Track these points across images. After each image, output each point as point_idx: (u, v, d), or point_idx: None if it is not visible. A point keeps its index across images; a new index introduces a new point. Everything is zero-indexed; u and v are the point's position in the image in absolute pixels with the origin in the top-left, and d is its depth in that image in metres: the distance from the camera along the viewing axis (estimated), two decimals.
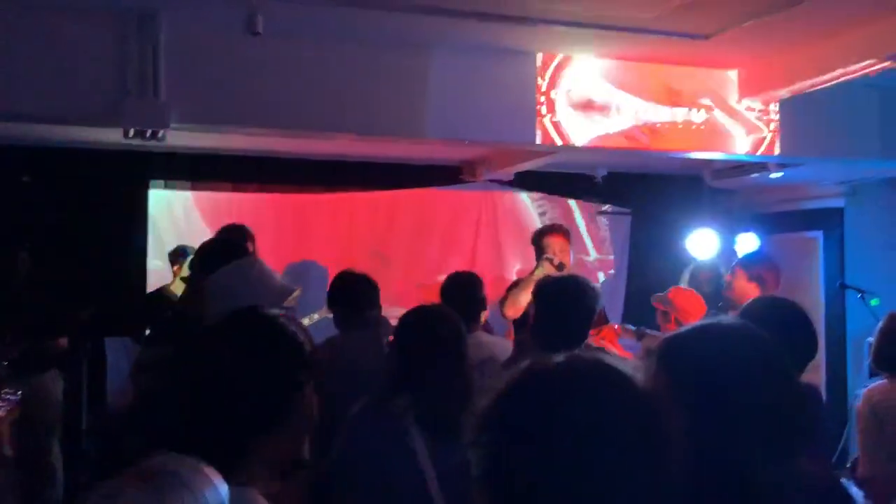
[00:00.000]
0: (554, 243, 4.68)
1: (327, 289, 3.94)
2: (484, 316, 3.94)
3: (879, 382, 3.56)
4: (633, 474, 1.05)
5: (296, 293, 2.79)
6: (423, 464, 2.40)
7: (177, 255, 6.07)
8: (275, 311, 1.66)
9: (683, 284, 5.28)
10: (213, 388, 1.47)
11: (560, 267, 4.60)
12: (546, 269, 4.57)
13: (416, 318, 2.71)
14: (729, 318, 1.67)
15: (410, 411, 2.45)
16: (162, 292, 6.15)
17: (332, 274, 4.08)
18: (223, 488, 1.18)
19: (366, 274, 3.84)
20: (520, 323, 4.45)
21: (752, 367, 1.49)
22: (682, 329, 1.64)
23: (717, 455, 1.45)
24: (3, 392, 4.59)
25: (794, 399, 1.53)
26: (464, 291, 3.83)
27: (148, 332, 4.11)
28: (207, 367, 1.51)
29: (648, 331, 4.58)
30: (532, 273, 4.66)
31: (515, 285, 4.73)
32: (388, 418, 2.47)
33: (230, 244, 3.33)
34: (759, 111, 5.25)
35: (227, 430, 1.43)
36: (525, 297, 4.18)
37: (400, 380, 2.55)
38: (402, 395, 2.49)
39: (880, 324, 3.64)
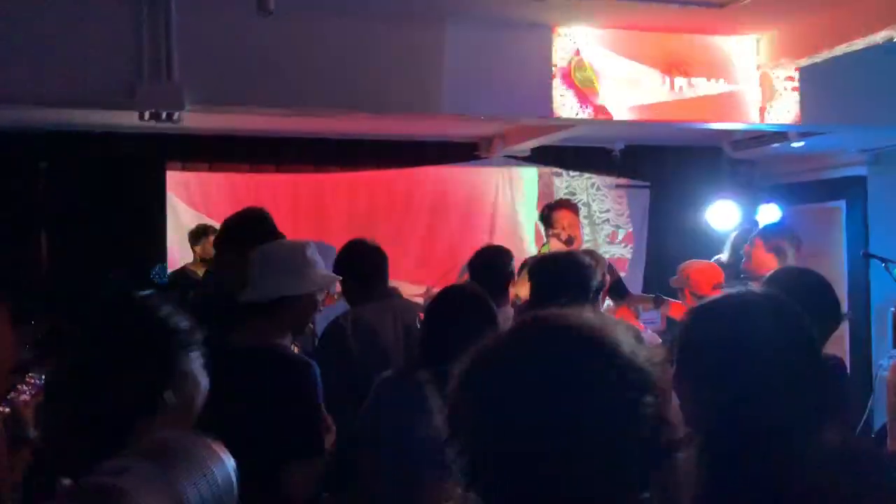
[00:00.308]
0: (562, 217, 4.69)
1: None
2: (512, 293, 3.94)
3: None
4: (596, 431, 1.02)
5: (337, 281, 2.82)
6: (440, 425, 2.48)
7: (198, 236, 6.10)
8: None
9: (725, 254, 5.23)
10: (86, 374, 1.51)
11: (569, 241, 4.59)
12: (554, 245, 4.57)
13: (446, 296, 2.81)
14: (755, 288, 1.65)
15: (431, 384, 2.53)
16: (185, 271, 6.19)
17: None
18: (230, 462, 1.19)
19: (376, 244, 3.79)
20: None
21: (777, 337, 1.48)
22: (708, 300, 1.63)
23: (743, 425, 1.44)
24: (27, 376, 4.63)
25: (819, 370, 1.52)
26: (491, 266, 3.83)
27: None
28: (80, 353, 1.56)
29: (666, 298, 4.57)
30: (540, 251, 4.64)
31: (525, 266, 4.73)
32: (410, 388, 2.57)
33: (263, 220, 3.33)
34: (780, 79, 5.17)
35: (108, 413, 1.46)
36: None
37: (423, 355, 2.65)
38: (423, 369, 2.59)
39: None
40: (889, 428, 3.46)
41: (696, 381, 1.51)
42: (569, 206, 4.82)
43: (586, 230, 7.28)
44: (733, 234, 5.72)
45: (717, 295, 1.67)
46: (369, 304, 3.52)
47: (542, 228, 4.81)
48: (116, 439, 1.35)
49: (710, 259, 5.25)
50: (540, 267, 3.17)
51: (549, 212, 4.78)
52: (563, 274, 3.01)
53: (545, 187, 7.55)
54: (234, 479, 1.18)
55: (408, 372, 2.68)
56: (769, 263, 4.29)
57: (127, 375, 1.47)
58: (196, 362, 1.55)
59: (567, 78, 4.75)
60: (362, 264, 3.66)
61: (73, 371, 1.52)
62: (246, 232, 3.22)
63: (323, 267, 2.77)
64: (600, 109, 4.84)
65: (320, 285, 2.67)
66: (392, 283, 3.92)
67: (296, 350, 2.85)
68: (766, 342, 1.47)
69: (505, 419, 1.05)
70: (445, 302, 2.78)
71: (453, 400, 1.12)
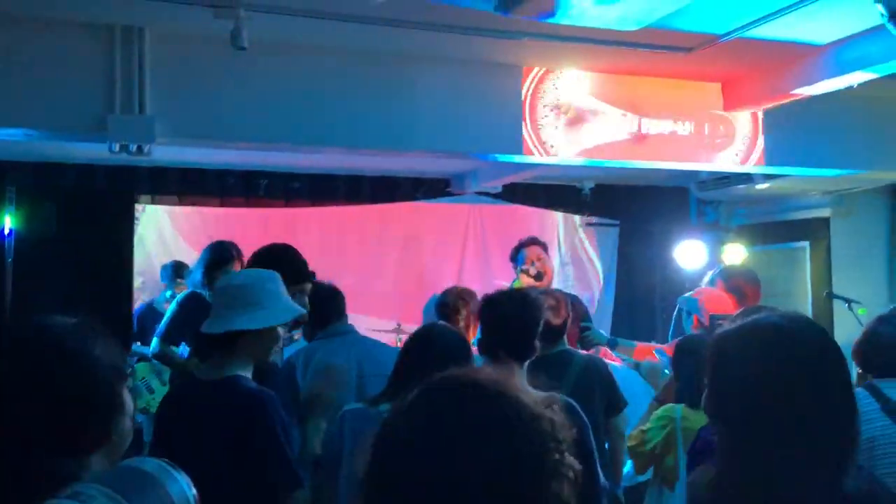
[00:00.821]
0: (530, 253, 4.74)
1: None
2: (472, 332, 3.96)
3: None
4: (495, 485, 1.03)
5: (301, 313, 2.76)
6: None
7: (179, 271, 5.94)
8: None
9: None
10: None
11: (539, 276, 4.64)
12: (524, 281, 4.61)
13: (422, 333, 2.82)
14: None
15: None
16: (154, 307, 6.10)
17: None
18: (185, 481, 1.21)
19: (332, 284, 3.79)
20: None
21: (806, 369, 1.45)
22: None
23: (770, 459, 1.42)
24: None
25: (849, 407, 1.46)
26: (447, 308, 3.89)
27: None
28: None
29: (620, 340, 4.63)
30: (510, 286, 4.67)
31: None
32: (374, 420, 2.54)
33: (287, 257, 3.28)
34: (745, 122, 5.29)
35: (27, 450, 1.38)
36: None
37: (391, 388, 2.66)
38: (384, 403, 2.61)
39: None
40: None
41: (735, 409, 1.47)
42: (538, 242, 4.88)
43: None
44: (709, 274, 5.80)
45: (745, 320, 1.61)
46: (324, 341, 3.53)
47: (512, 265, 4.86)
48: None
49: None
50: (486, 305, 3.17)
51: (519, 248, 4.84)
52: (516, 309, 3.02)
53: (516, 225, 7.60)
54: (191, 499, 1.20)
55: (373, 404, 2.68)
56: (727, 305, 4.35)
57: (59, 416, 1.37)
58: (126, 392, 1.48)
59: (535, 118, 4.82)
60: (317, 305, 3.68)
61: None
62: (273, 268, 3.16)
63: (287, 299, 2.73)
64: (565, 150, 4.91)
65: (280, 319, 2.61)
66: (361, 317, 3.93)
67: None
68: (792, 375, 1.44)
69: (410, 475, 1.06)
70: (420, 338, 2.79)
71: (370, 451, 1.14)
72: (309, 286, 3.27)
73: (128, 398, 1.47)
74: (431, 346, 2.70)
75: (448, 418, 1.08)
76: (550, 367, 3.21)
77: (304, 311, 2.72)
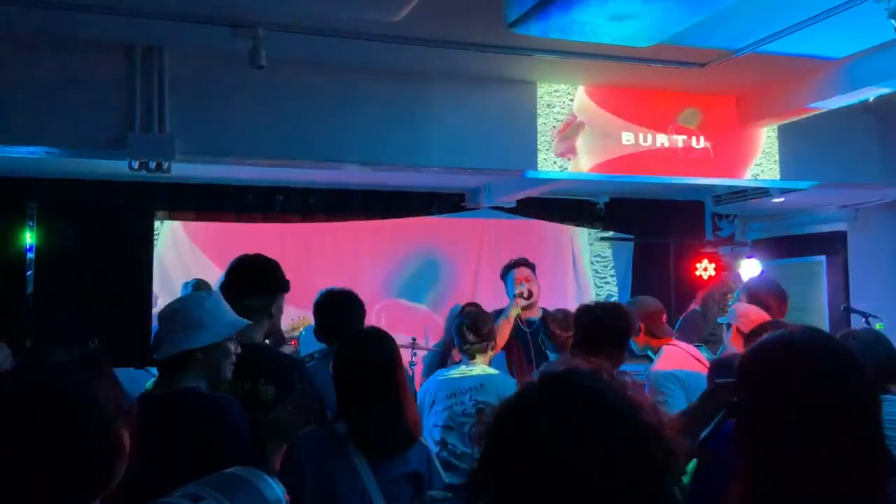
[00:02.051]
0: (519, 275, 4.95)
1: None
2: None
3: None
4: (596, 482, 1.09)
5: (245, 325, 2.79)
6: (366, 482, 2.62)
7: (201, 289, 5.98)
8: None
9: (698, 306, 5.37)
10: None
11: (528, 295, 4.86)
12: (518, 304, 4.79)
13: (349, 346, 2.86)
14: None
15: (348, 437, 2.65)
16: None
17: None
18: (279, 488, 1.33)
19: (345, 291, 3.82)
20: None
21: (843, 381, 1.47)
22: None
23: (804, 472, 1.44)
24: None
25: (877, 419, 1.49)
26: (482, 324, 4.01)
27: None
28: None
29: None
30: (507, 311, 4.79)
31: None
32: (332, 442, 2.66)
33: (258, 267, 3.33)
34: (760, 136, 5.29)
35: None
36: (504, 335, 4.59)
37: (338, 408, 2.74)
38: (339, 422, 2.69)
39: None
40: None
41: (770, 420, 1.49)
42: (527, 263, 5.07)
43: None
44: (709, 288, 5.83)
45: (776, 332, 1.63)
46: (327, 360, 3.52)
47: (505, 286, 5.06)
48: None
49: (686, 311, 5.33)
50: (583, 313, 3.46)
51: (508, 269, 5.03)
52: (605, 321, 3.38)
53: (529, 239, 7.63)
54: (282, 499, 1.33)
55: (327, 425, 2.72)
56: (755, 318, 4.35)
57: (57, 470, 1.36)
58: (125, 434, 1.46)
59: (550, 133, 4.85)
60: (321, 316, 3.73)
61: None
62: (242, 280, 3.22)
63: (230, 315, 2.75)
64: (580, 164, 4.94)
65: (221, 335, 2.63)
66: None
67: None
68: (830, 388, 1.47)
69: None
70: (350, 351, 2.83)
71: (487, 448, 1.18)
72: (282, 297, 3.30)
73: (126, 439, 1.45)
74: (360, 359, 2.75)
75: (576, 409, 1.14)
76: None
77: (247, 322, 2.75)
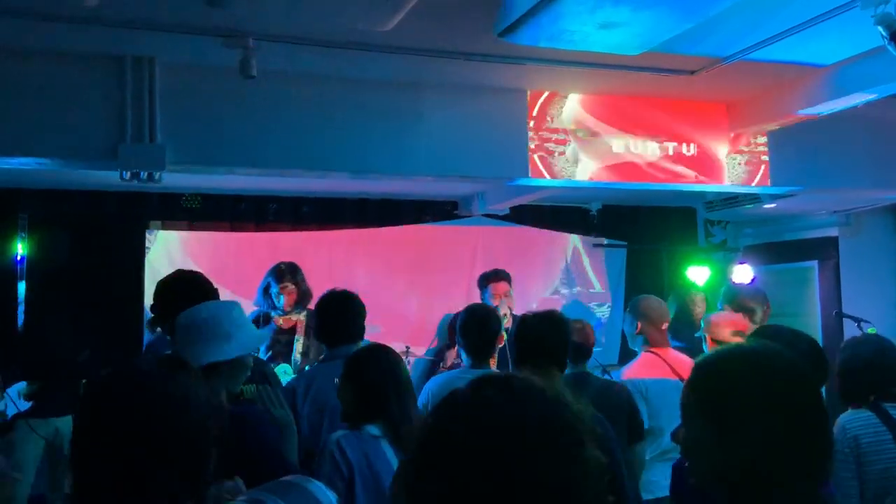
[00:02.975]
0: (497, 290, 5.14)
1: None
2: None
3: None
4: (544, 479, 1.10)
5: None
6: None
7: None
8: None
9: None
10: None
11: (505, 312, 4.97)
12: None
13: (374, 355, 2.92)
14: (756, 341, 1.70)
15: (383, 438, 2.73)
16: None
17: None
18: (332, 495, 1.41)
19: (347, 293, 3.82)
20: None
21: (771, 388, 1.52)
22: (710, 353, 1.70)
23: (737, 472, 1.48)
24: None
25: (815, 423, 1.53)
26: (483, 324, 3.90)
27: None
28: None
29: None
30: None
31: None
32: (368, 442, 2.73)
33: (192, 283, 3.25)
34: (750, 143, 5.31)
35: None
36: None
37: (370, 412, 2.78)
38: (373, 424, 2.75)
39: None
40: None
41: (721, 429, 1.53)
42: (504, 276, 5.13)
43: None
44: (674, 294, 5.88)
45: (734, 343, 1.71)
46: (326, 365, 3.53)
47: (480, 294, 5.13)
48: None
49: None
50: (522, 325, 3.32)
51: (486, 283, 5.10)
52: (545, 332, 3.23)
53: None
54: (333, 501, 1.41)
55: (359, 427, 2.76)
56: (738, 323, 4.37)
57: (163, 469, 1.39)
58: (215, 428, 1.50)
59: (541, 141, 4.86)
60: (322, 320, 3.72)
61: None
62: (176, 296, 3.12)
63: (251, 327, 2.75)
64: (571, 172, 4.95)
65: (248, 348, 2.62)
66: (369, 340, 3.93)
67: None
68: (758, 393, 1.51)
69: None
70: (377, 359, 2.88)
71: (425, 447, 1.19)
72: None
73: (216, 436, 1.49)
74: (388, 367, 2.85)
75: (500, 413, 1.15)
76: (569, 385, 3.29)
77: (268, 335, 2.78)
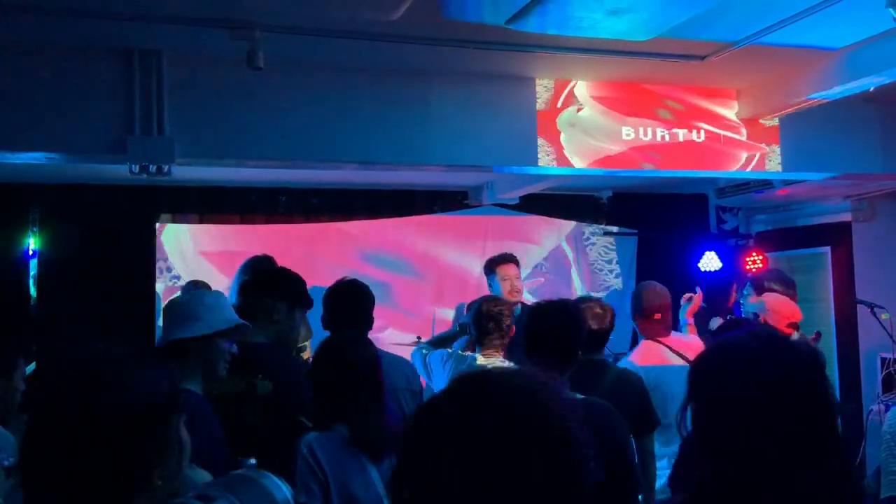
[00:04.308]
0: (508, 272, 5.03)
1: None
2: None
3: None
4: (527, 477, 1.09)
5: (240, 324, 2.80)
6: (376, 483, 2.69)
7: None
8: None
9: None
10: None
11: (514, 292, 4.95)
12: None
13: (332, 350, 2.87)
14: (758, 331, 1.67)
15: (350, 440, 2.69)
16: None
17: None
18: (286, 488, 1.37)
19: (356, 282, 3.81)
20: None
21: (769, 379, 1.50)
22: (710, 343, 1.69)
23: (732, 465, 1.46)
24: None
25: (814, 413, 1.51)
26: (495, 317, 3.90)
27: None
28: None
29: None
30: None
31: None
32: (338, 443, 2.70)
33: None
34: (761, 128, 5.27)
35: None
36: None
37: (334, 412, 2.75)
38: (339, 425, 2.71)
39: None
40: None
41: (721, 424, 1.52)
42: (512, 258, 5.08)
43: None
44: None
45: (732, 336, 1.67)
46: None
47: (487, 280, 5.06)
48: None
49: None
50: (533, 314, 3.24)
51: (494, 266, 5.07)
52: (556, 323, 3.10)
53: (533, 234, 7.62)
54: (290, 498, 1.37)
55: (328, 427, 2.73)
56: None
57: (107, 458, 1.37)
58: (180, 424, 1.49)
59: (550, 129, 4.84)
60: (329, 308, 3.72)
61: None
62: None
63: (229, 312, 2.77)
64: (580, 160, 4.92)
65: (213, 328, 2.65)
66: (378, 332, 3.94)
67: None
68: (754, 384, 1.49)
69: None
70: (335, 355, 2.84)
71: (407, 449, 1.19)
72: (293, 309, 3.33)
73: (183, 434, 1.46)
74: (345, 364, 2.77)
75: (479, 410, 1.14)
76: (585, 372, 3.28)
77: (241, 322, 2.77)
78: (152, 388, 1.41)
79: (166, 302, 2.83)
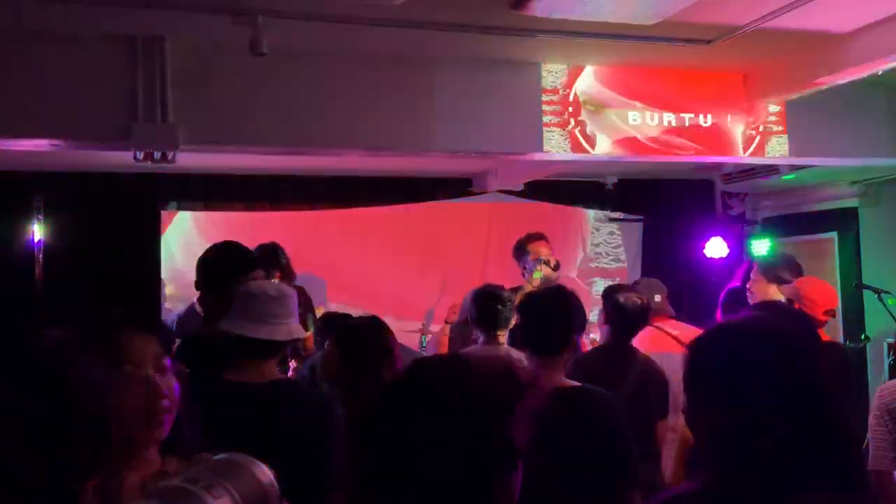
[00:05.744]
0: (541, 248, 4.81)
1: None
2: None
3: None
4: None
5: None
6: None
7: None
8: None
9: None
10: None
11: (556, 266, 4.75)
12: (544, 272, 4.63)
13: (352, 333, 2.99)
14: (755, 316, 1.67)
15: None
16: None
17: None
18: (265, 467, 1.39)
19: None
20: None
21: (766, 364, 1.49)
22: (708, 329, 1.66)
23: (738, 450, 1.46)
24: None
25: (815, 399, 1.50)
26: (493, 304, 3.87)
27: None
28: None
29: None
30: (531, 279, 4.67)
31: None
32: None
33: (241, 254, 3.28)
34: (767, 113, 5.24)
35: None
36: None
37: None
38: None
39: None
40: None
41: (711, 411, 1.52)
42: (543, 237, 4.93)
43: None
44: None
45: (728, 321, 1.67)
46: None
47: (518, 262, 4.89)
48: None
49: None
50: (533, 300, 3.24)
51: (525, 244, 4.88)
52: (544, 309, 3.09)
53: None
54: (274, 482, 1.39)
55: None
56: (773, 294, 4.32)
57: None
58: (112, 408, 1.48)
59: (555, 114, 4.81)
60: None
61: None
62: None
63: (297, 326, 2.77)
64: (587, 146, 4.90)
65: (304, 332, 2.70)
66: (385, 318, 3.90)
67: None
68: (752, 370, 1.48)
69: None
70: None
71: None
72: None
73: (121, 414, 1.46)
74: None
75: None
76: (616, 358, 3.47)
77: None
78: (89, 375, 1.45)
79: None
